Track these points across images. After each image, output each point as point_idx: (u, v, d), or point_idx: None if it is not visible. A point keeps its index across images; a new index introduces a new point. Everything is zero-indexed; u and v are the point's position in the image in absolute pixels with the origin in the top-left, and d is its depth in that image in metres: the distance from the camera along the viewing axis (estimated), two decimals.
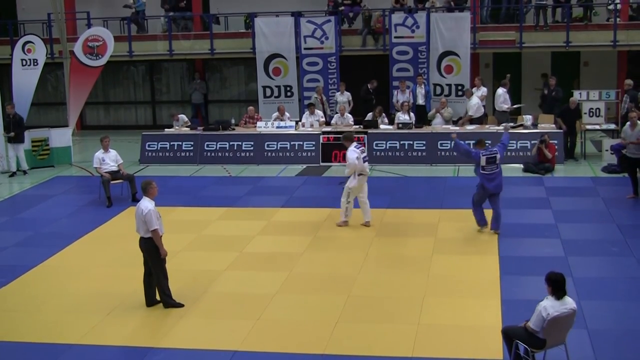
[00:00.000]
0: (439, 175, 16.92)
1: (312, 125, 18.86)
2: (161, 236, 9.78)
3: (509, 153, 17.60)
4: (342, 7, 22.23)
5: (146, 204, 9.79)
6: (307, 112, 19.41)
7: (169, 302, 9.94)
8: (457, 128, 18.50)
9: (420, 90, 20.13)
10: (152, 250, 9.80)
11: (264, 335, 9.09)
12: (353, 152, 12.94)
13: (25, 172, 18.31)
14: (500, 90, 19.19)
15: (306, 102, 20.63)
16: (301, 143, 18.55)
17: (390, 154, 18.06)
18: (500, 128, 18.20)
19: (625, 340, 8.69)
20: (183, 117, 20.37)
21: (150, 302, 10.01)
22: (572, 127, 17.80)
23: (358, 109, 20.45)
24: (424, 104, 20.15)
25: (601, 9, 21.75)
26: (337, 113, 19.64)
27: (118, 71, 25.07)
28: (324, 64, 21.43)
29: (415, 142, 18.02)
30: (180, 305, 9.92)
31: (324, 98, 20.59)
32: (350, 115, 19.43)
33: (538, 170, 16.58)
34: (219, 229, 13.39)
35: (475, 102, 19.24)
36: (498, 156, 12.41)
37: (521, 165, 17.13)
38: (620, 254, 11.45)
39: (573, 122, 17.80)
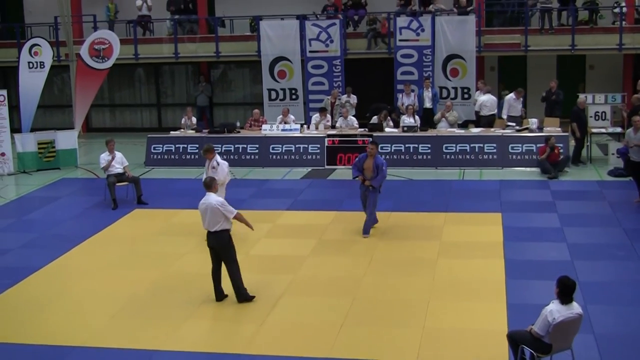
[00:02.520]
0: (444, 178, 16.88)
1: (317, 127, 18.85)
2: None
3: (515, 156, 17.62)
4: (343, 7, 22.21)
5: (214, 197, 9.97)
6: (318, 115, 19.41)
7: (244, 296, 10.05)
8: (463, 131, 18.55)
9: (427, 94, 20.10)
10: (226, 244, 9.94)
11: (269, 339, 9.08)
12: (225, 164, 12.89)
13: None
14: (509, 96, 19.17)
15: (311, 105, 20.62)
16: (306, 146, 18.53)
17: (395, 157, 18.01)
18: (507, 131, 18.18)
19: (632, 344, 8.64)
20: (194, 119, 20.37)
21: (219, 297, 10.15)
22: (585, 131, 17.55)
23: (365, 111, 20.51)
24: (431, 107, 20.11)
25: (607, 12, 21.70)
26: (341, 116, 19.64)
27: (124, 74, 25.11)
28: (329, 66, 21.44)
29: (420, 146, 17.99)
30: (252, 298, 10.07)
31: (336, 101, 20.57)
32: (354, 118, 19.40)
33: (554, 169, 16.49)
34: None
35: (483, 99, 19.19)
36: None
37: (527, 169, 17.13)
38: (626, 258, 11.39)
39: (585, 125, 17.66)
